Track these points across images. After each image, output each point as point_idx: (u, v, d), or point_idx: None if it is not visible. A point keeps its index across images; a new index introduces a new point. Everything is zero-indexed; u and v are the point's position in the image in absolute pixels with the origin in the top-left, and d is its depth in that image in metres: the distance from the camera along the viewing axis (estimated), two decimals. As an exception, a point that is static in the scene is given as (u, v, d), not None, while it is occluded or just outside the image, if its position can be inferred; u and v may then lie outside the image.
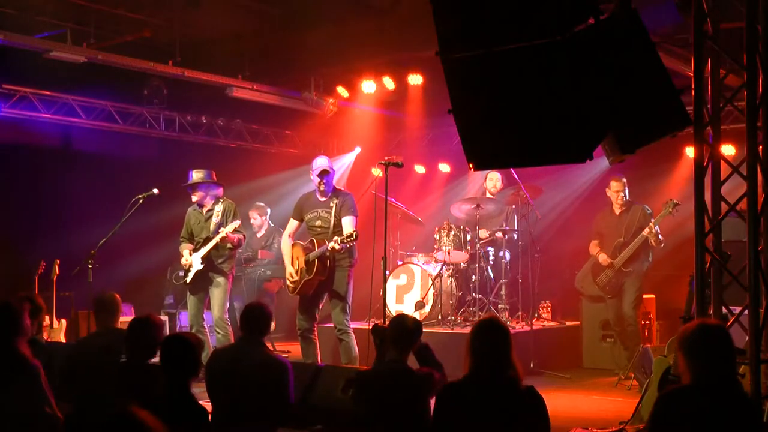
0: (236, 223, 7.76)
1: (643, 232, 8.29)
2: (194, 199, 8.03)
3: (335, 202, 7.42)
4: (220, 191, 8.05)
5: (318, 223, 7.47)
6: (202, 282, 7.90)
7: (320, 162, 7.51)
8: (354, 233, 7.11)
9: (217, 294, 7.87)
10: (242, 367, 4.78)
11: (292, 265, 7.50)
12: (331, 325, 7.67)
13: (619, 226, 8.58)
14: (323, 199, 7.50)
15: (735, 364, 3.58)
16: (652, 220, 8.34)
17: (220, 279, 7.88)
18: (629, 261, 8.44)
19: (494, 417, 3.68)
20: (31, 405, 4.10)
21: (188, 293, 8.00)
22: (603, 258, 8.57)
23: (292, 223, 7.73)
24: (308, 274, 7.31)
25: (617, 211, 8.66)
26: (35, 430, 4.12)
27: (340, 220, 7.36)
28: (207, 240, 7.83)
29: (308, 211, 7.56)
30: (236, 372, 4.78)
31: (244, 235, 8.09)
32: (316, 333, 7.63)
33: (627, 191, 8.64)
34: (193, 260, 7.84)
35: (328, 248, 7.11)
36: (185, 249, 7.97)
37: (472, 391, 3.74)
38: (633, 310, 8.48)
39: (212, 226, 7.86)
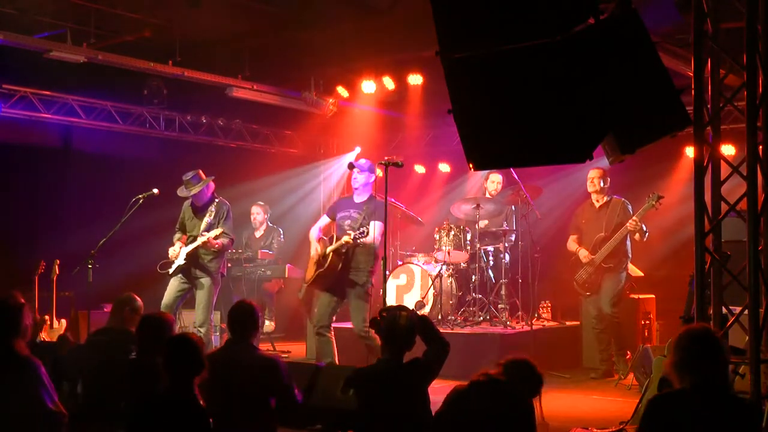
0: (218, 231, 7.74)
1: (626, 225, 8.12)
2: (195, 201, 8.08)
3: (368, 206, 7.49)
4: (212, 185, 8.07)
5: (348, 222, 7.54)
6: (187, 277, 7.90)
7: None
8: (366, 231, 7.17)
9: (202, 296, 7.86)
10: (236, 372, 4.63)
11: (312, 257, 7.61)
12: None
13: (599, 220, 8.43)
14: (358, 201, 7.60)
15: (723, 367, 3.49)
16: (633, 213, 8.19)
17: (205, 280, 7.88)
18: (609, 257, 8.29)
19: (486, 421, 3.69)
20: (33, 403, 4.10)
21: (170, 282, 7.95)
22: (584, 254, 8.43)
23: (324, 219, 7.89)
24: (322, 266, 7.38)
25: (597, 205, 8.50)
26: (38, 427, 4.12)
27: (369, 223, 7.41)
28: (195, 238, 7.85)
29: (341, 210, 7.69)
30: (231, 378, 4.61)
31: (231, 239, 8.09)
32: (332, 332, 7.56)
33: (606, 181, 8.41)
34: (179, 254, 7.87)
35: (343, 241, 7.23)
36: (177, 241, 8.02)
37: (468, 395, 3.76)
38: (611, 308, 8.30)
39: (203, 225, 7.87)
